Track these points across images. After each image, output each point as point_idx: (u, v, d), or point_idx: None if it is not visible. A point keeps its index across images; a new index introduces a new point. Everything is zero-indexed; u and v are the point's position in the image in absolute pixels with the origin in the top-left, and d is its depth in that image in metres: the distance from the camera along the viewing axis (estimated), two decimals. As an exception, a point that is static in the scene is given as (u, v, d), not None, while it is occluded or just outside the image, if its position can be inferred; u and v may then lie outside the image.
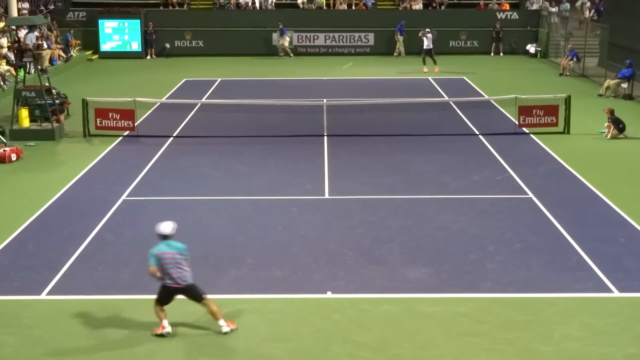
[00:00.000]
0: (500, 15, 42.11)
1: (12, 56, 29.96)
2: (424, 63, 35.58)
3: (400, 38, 40.62)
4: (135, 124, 23.10)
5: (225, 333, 10.99)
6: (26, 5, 39.45)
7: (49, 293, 12.33)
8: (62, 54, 37.13)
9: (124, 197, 17.25)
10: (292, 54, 40.62)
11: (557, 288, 12.58)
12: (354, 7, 43.78)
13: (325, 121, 23.34)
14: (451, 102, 26.82)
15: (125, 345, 10.78)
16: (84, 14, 41.85)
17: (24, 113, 22.85)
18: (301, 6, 43.62)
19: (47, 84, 24.18)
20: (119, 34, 41.08)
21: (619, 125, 22.49)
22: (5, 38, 32.81)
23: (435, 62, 35.30)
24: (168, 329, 10.98)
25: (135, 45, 41.14)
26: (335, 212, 16.40)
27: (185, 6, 43.81)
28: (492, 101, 26.64)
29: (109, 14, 41.13)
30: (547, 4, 42.60)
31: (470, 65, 37.30)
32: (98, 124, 22.98)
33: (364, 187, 18.01)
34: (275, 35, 41.34)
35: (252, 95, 28.47)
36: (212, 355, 10.55)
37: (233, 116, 25.27)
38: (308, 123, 24.17)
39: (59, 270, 13.13)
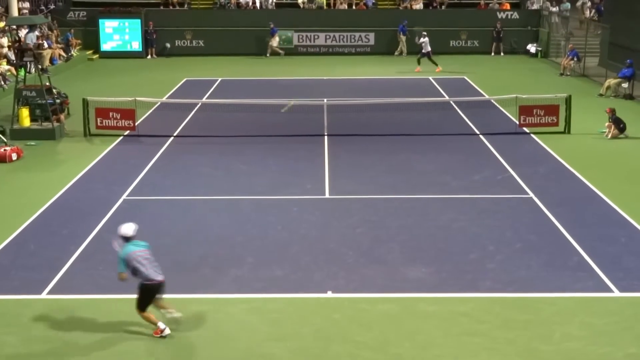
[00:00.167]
0: (500, 15, 42.12)
1: (12, 56, 29.96)
2: (419, 63, 35.61)
3: (403, 38, 40.61)
4: (136, 124, 23.10)
5: (178, 318, 11.03)
6: (27, 4, 39.45)
7: (49, 292, 12.33)
8: (62, 53, 37.15)
9: (124, 196, 17.26)
10: (282, 52, 40.54)
11: (557, 288, 12.58)
12: (354, 7, 43.78)
13: (326, 121, 23.34)
14: (452, 102, 26.82)
15: (125, 345, 10.78)
16: (85, 13, 41.87)
17: (25, 112, 22.86)
18: (301, 6, 43.62)
19: (47, 84, 24.19)
20: (119, 33, 41.09)
21: (619, 125, 22.49)
22: (6, 37, 32.82)
23: (435, 64, 35.29)
24: (167, 330, 10.96)
25: (136, 45, 41.15)
26: (336, 211, 16.40)
27: (186, 6, 43.82)
28: (492, 101, 26.65)
29: (110, 13, 41.14)
30: (547, 3, 42.61)
31: (471, 65, 37.30)
32: (99, 124, 22.99)
33: (364, 186, 18.01)
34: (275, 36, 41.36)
35: (252, 95, 28.48)
36: (213, 354, 10.54)
37: (233, 116, 25.28)
38: (308, 123, 24.18)
39: (59, 270, 13.13)
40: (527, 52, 40.73)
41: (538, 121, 23.16)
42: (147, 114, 25.71)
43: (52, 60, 34.87)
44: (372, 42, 41.69)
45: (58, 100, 24.14)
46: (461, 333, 11.08)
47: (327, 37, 41.69)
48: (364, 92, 29.49)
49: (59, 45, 37.31)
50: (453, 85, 31.56)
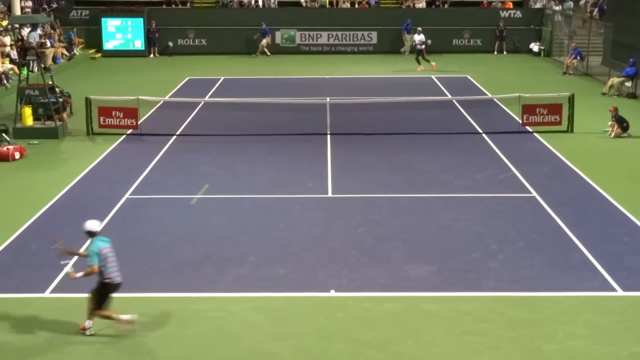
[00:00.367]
0: (503, 14, 42.06)
1: (15, 54, 29.98)
2: (419, 62, 35.60)
3: (408, 37, 40.56)
4: (139, 123, 23.10)
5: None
6: (29, 3, 39.47)
7: (52, 291, 12.33)
8: (65, 52, 37.16)
9: (127, 195, 17.26)
10: (269, 53, 40.58)
11: (560, 287, 12.56)
12: (357, 6, 43.76)
13: (329, 120, 23.33)
14: (454, 101, 26.79)
15: (129, 343, 10.78)
16: (87, 12, 41.85)
17: (28, 111, 22.86)
18: (304, 4, 43.61)
19: (50, 83, 24.20)
20: (122, 32, 41.10)
21: (622, 123, 22.45)
22: (9, 36, 32.82)
23: (427, 61, 35.33)
24: (128, 316, 10.92)
25: (139, 44, 41.15)
26: (338, 210, 16.39)
27: (189, 4, 43.83)
28: (495, 100, 26.63)
29: (112, 12, 41.15)
30: (551, 2, 42.55)
31: (474, 64, 37.26)
32: (101, 123, 22.99)
33: (367, 185, 18.00)
34: (277, 34, 41.35)
35: (255, 94, 28.46)
36: (216, 353, 10.54)
37: (236, 115, 25.27)
38: (311, 122, 24.17)
39: (62, 269, 13.11)
40: (530, 51, 40.68)
41: (541, 120, 23.12)
42: (150, 112, 25.71)
43: (54, 59, 34.89)
44: (374, 41, 41.66)
45: (60, 99, 24.15)
46: (464, 332, 11.07)
47: (330, 35, 41.66)
48: (366, 91, 29.46)
49: (61, 44, 37.33)
50: (456, 84, 31.53)
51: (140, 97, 23.95)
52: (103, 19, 40.91)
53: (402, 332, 11.08)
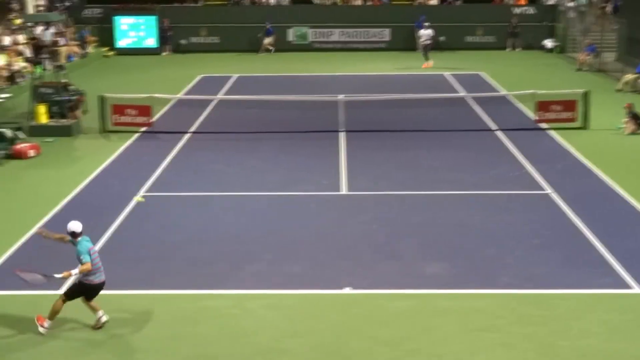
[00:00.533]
0: (516, 10, 41.91)
1: (29, 52, 30.11)
2: (427, 58, 35.55)
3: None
4: (152, 120, 23.16)
5: (107, 321, 11.03)
6: (43, 2, 39.62)
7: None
8: (78, 50, 37.30)
9: (141, 193, 17.30)
10: (273, 50, 40.57)
11: (575, 284, 12.52)
12: (369, 3, 43.70)
13: (342, 117, 23.33)
14: (467, 98, 26.73)
15: (140, 339, 10.81)
16: (100, 10, 41.98)
17: (42, 109, 22.97)
18: (316, 1, 43.58)
19: (63, 80, 24.29)
20: (134, 30, 41.21)
21: (637, 120, 22.33)
22: (22, 35, 32.97)
23: (426, 59, 35.39)
24: (45, 328, 10.95)
25: (151, 42, 41.25)
26: (352, 207, 16.39)
27: (201, 2, 43.88)
28: (508, 96, 26.54)
29: (125, 10, 41.26)
30: (564, -2, 42.40)
31: (487, 61, 37.17)
32: (115, 120, 23.07)
33: (381, 183, 17.99)
34: (290, 31, 41.38)
35: (268, 91, 28.48)
36: (231, 350, 10.56)
37: (249, 112, 25.29)
38: (324, 119, 24.17)
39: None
40: (543, 48, 40.53)
41: (555, 117, 23.05)
42: (163, 110, 25.77)
43: (68, 57, 35.00)
44: (387, 38, 41.61)
45: (74, 97, 24.23)
46: (478, 329, 11.05)
47: (342, 33, 41.65)
48: (379, 88, 29.42)
49: (74, 42, 37.47)
50: (469, 81, 31.46)
51: (153, 94, 24.01)
52: (116, 17, 41.03)
53: (416, 329, 11.07)
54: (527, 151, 20.41)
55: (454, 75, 33.04)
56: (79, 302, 11.14)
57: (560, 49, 39.73)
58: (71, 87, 24.52)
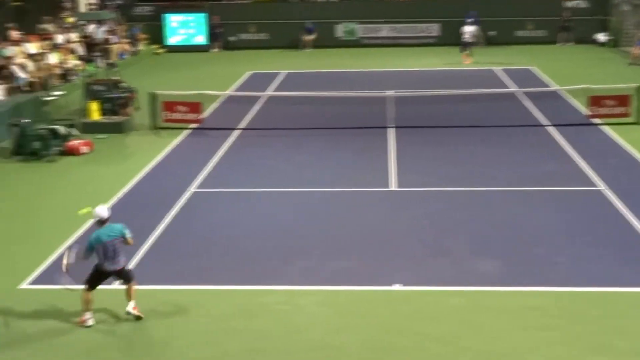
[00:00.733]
0: (568, 4, 41.34)
1: (81, 50, 30.56)
2: (470, 54, 35.24)
3: (472, 29, 40.07)
4: (202, 117, 23.34)
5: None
6: (95, 0, 40.17)
7: (122, 283, 12.50)
8: (129, 48, 37.76)
9: (192, 188, 17.47)
10: (311, 48, 40.64)
11: (629, 281, 12.30)
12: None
13: (391, 113, 23.25)
14: (518, 93, 26.46)
15: (194, 334, 10.90)
16: (150, 8, 42.45)
17: (94, 106, 23.30)
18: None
19: (115, 78, 24.59)
20: (184, 27, 41.59)
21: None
22: (75, 33, 33.48)
23: (467, 54, 35.15)
24: (90, 321, 11.12)
25: (201, 39, 41.60)
26: (402, 204, 16.34)
27: (250, -1, 44.17)
28: (560, 91, 26.20)
29: (175, 8, 41.65)
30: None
31: (538, 55, 36.74)
32: (166, 117, 23.30)
33: (431, 179, 17.90)
34: (338, 27, 41.37)
35: (316, 87, 28.51)
36: (282, 344, 10.60)
37: (298, 108, 25.35)
38: (373, 115, 24.12)
39: (130, 261, 13.31)
40: (596, 42, 39.92)
41: (608, 112, 22.68)
42: (213, 107, 25.96)
43: (119, 55, 35.45)
44: (436, 33, 41.38)
45: (126, 94, 24.54)
46: (530, 327, 10.92)
47: (391, 28, 41.51)
48: (428, 84, 29.27)
49: (126, 40, 37.94)
50: (520, 76, 31.13)
51: (203, 91, 24.20)
52: (166, 15, 41.44)
53: (468, 326, 10.99)
54: (579, 147, 20.13)
55: (504, 70, 32.72)
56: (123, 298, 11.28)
57: (613, 43, 39.08)
58: (122, 85, 24.85)
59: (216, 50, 41.22)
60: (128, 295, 11.30)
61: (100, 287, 11.94)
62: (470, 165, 18.97)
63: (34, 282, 12.76)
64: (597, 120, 22.66)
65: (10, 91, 25.44)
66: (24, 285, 12.64)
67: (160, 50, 40.99)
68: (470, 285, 12.32)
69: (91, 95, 23.76)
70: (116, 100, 23.45)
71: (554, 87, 27.97)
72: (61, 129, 20.94)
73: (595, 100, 22.87)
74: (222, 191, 17.44)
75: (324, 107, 25.31)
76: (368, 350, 10.43)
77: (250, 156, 20.16)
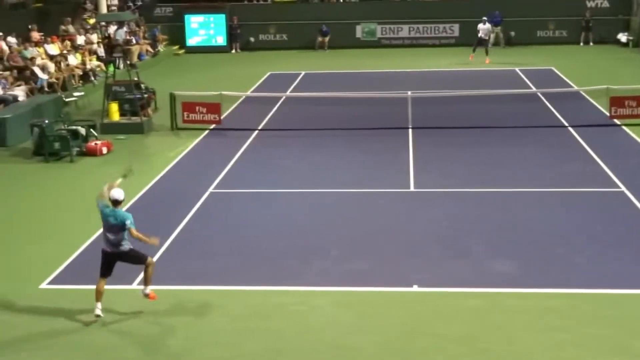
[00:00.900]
0: (590, 4, 41.05)
1: (102, 52, 30.70)
2: (487, 53, 35.11)
3: (497, 29, 40.01)
4: (222, 118, 23.39)
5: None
6: (115, 1, 40.37)
7: (139, 283, 12.53)
8: (149, 49, 37.93)
9: (211, 189, 17.51)
10: (326, 49, 40.64)
11: (650, 284, 12.21)
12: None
13: (410, 113, 23.19)
14: (539, 93, 26.32)
15: (210, 334, 10.92)
16: (171, 9, 42.64)
17: (114, 107, 23.40)
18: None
19: (135, 79, 24.70)
20: (204, 28, 41.72)
21: None
22: (96, 34, 33.66)
23: (484, 52, 35.06)
24: (97, 312, 11.31)
25: (221, 40, 41.70)
26: (421, 204, 16.29)
27: (269, 0, 44.16)
28: (581, 92, 26.04)
29: (195, 9, 41.78)
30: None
31: (559, 56, 36.53)
32: (185, 118, 23.36)
33: (450, 179, 17.84)
34: (358, 28, 41.34)
35: (335, 88, 28.50)
36: (299, 345, 10.60)
37: (317, 109, 25.35)
38: (392, 115, 24.07)
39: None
40: (618, 42, 39.62)
41: (630, 112, 22.48)
42: (232, 107, 26.02)
43: (139, 56, 35.61)
44: (456, 33, 41.23)
45: (145, 95, 24.65)
46: (549, 328, 10.86)
47: (411, 29, 41.42)
48: (448, 84, 29.19)
49: (146, 41, 38.10)
50: (540, 76, 30.95)
51: (222, 92, 24.26)
52: (186, 16, 41.60)
53: (486, 327, 10.93)
54: (599, 147, 19.98)
55: (525, 70, 32.55)
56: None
57: (635, 43, 38.76)
58: (142, 86, 24.94)
59: (233, 51, 41.28)
60: (144, 280, 11.38)
61: (117, 287, 12.05)
62: (490, 166, 18.88)
63: (54, 282, 12.83)
64: (618, 121, 22.48)
65: (31, 92, 25.62)
66: (44, 285, 12.72)
67: (180, 51, 41.14)
68: (489, 287, 12.26)
69: (111, 96, 23.88)
70: (136, 101, 23.54)
71: (575, 87, 27.78)
72: (81, 130, 21.05)
73: (617, 101, 22.69)
74: (240, 192, 17.46)
75: (343, 108, 25.30)
76: (385, 351, 10.40)
77: (269, 157, 20.17)
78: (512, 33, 40.39)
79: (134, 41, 35.32)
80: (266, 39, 42.07)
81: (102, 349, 10.62)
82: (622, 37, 39.62)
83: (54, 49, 30.20)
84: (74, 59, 30.23)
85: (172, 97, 23.49)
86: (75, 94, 27.14)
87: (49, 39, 30.91)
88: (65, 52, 30.21)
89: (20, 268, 13.51)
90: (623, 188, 16.77)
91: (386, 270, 12.99)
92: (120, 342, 10.79)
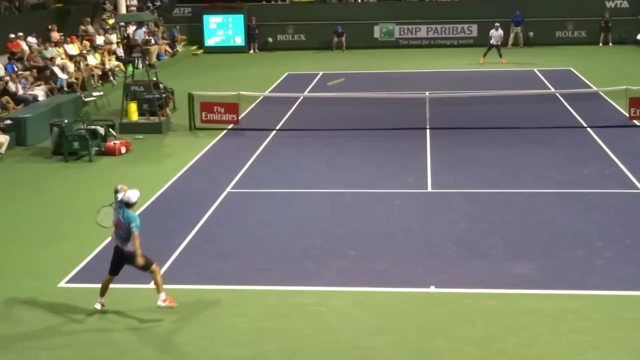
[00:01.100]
0: (609, 4, 40.80)
1: (121, 52, 30.85)
2: (500, 55, 34.96)
3: (517, 29, 39.85)
4: (239, 118, 23.44)
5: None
6: (134, 2, 40.55)
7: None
8: (168, 49, 38.06)
9: (228, 189, 17.55)
10: (344, 49, 40.64)
11: (670, 286, 12.12)
12: (457, -2, 43.29)
13: (429, 114, 23.14)
14: (558, 94, 26.20)
15: (229, 333, 10.95)
16: (189, 10, 42.79)
17: (133, 107, 23.51)
18: (403, -2, 43.45)
19: (154, 79, 24.79)
20: (223, 29, 41.81)
21: None
22: (115, 34, 33.82)
23: (484, 55, 35.00)
24: (97, 305, 11.53)
25: (239, 40, 41.77)
26: (438, 205, 16.26)
27: (288, 0, 44.21)
28: (600, 93, 25.89)
29: (214, 9, 41.87)
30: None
31: (578, 56, 36.34)
32: (203, 118, 23.43)
33: (467, 180, 17.79)
34: (376, 28, 41.30)
35: (353, 89, 28.47)
36: (317, 345, 10.60)
37: (335, 109, 25.34)
38: (410, 116, 24.02)
39: (167, 260, 13.44)
40: (637, 42, 39.36)
41: (649, 113, 22.36)
42: (250, 108, 26.07)
43: (158, 56, 35.72)
44: (475, 33, 41.09)
45: (164, 95, 24.73)
46: (568, 330, 10.80)
47: (429, 29, 41.33)
48: (466, 85, 29.12)
49: (165, 41, 38.23)
50: (559, 77, 30.80)
51: (240, 92, 24.30)
52: (205, 16, 41.70)
53: (504, 329, 10.90)
54: (619, 149, 19.86)
55: (543, 71, 32.40)
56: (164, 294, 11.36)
57: (655, 44, 38.53)
58: (161, 86, 25.03)
59: (251, 51, 41.34)
60: (156, 287, 11.40)
61: (135, 286, 12.11)
62: (508, 167, 18.81)
63: (72, 281, 12.91)
64: (637, 122, 22.33)
65: (51, 92, 25.78)
66: (62, 283, 12.80)
67: (199, 52, 41.26)
68: (506, 288, 12.23)
69: (130, 96, 23.99)
70: (155, 101, 23.63)
71: (594, 88, 27.63)
72: (100, 130, 21.16)
73: (636, 102, 22.54)
74: (258, 192, 17.48)
75: (361, 108, 25.28)
76: (402, 352, 10.39)
77: (286, 157, 20.20)
78: (531, 33, 40.20)
79: (152, 41, 35.40)
80: (284, 39, 42.10)
81: (120, 347, 10.67)
82: (642, 37, 39.39)
83: (73, 49, 30.38)
84: (93, 59, 30.39)
85: (191, 97, 23.56)
86: (95, 93, 27.28)
87: (68, 39, 31.10)
88: (84, 52, 30.38)
89: (38, 266, 13.60)
90: (643, 189, 16.69)
91: (403, 271, 12.98)
92: (138, 341, 10.84)
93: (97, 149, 20.77)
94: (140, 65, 27.30)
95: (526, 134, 21.93)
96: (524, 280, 12.51)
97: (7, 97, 23.50)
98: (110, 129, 21.71)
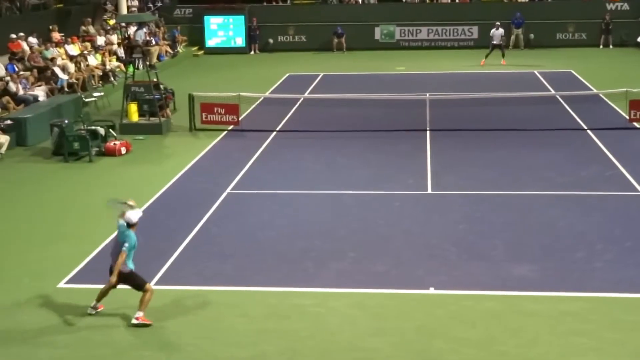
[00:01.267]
0: (609, 6, 40.82)
1: (122, 52, 30.85)
2: (504, 55, 35.01)
3: (518, 31, 39.85)
4: (240, 119, 23.44)
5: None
6: (135, 2, 40.56)
7: (157, 283, 12.61)
8: (169, 50, 38.06)
9: (228, 190, 17.55)
10: (344, 50, 40.64)
11: (669, 288, 12.13)
12: (457, 0, 43.25)
13: (429, 115, 23.15)
14: (558, 96, 26.21)
15: (230, 334, 10.95)
16: (190, 10, 42.79)
17: (133, 108, 23.50)
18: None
19: (155, 80, 24.79)
20: (223, 29, 41.81)
21: None
22: (116, 35, 33.83)
23: (486, 56, 34.96)
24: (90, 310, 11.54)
25: (240, 41, 41.77)
26: (438, 207, 16.26)
27: (289, 1, 44.22)
28: (600, 95, 25.89)
29: (214, 10, 41.88)
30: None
31: (578, 58, 36.34)
32: (203, 119, 23.43)
33: (467, 182, 17.79)
34: (377, 30, 41.31)
35: (354, 90, 28.49)
36: (316, 346, 10.61)
37: (335, 110, 25.36)
38: (411, 117, 24.03)
39: (166, 261, 13.45)
40: (638, 45, 39.36)
41: (649, 116, 22.37)
42: (251, 108, 26.07)
43: (159, 57, 35.69)
44: (475, 35, 41.09)
45: (164, 96, 24.73)
46: (567, 332, 10.81)
47: (430, 31, 41.33)
48: (467, 87, 29.12)
49: (165, 42, 38.24)
50: (559, 79, 30.81)
51: (241, 93, 24.31)
52: (205, 17, 41.71)
53: (504, 331, 10.90)
54: (619, 151, 19.87)
55: (544, 73, 32.41)
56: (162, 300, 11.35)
57: (656, 46, 38.54)
58: (162, 86, 25.03)
59: (252, 52, 41.35)
60: (139, 303, 11.32)
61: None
62: (508, 169, 18.82)
63: (72, 282, 12.91)
64: (637, 125, 22.35)
65: (52, 92, 25.78)
66: (62, 284, 12.80)
67: (200, 52, 41.27)
68: (506, 290, 12.23)
69: (131, 96, 23.98)
70: (155, 102, 23.62)
71: (594, 90, 27.63)
72: (100, 130, 21.16)
73: (636, 104, 22.53)
74: (258, 193, 17.49)
75: (361, 110, 25.29)
76: (401, 353, 10.39)
77: (287, 158, 20.20)
78: (532, 35, 40.22)
79: (153, 42, 35.33)
80: (285, 40, 42.11)
81: (119, 347, 10.67)
82: (643, 40, 39.40)
83: (74, 49, 30.38)
84: (93, 60, 30.40)
85: (191, 98, 23.57)
86: (95, 94, 27.28)
87: (69, 40, 31.11)
88: (85, 52, 30.37)
89: (38, 266, 13.60)
90: (643, 192, 16.70)
91: (403, 272, 12.98)
92: (137, 341, 10.84)
93: (97, 149, 20.77)
94: (140, 66, 27.29)
95: (526, 136, 21.93)
96: (523, 282, 12.52)
97: (7, 97, 23.50)
98: (110, 130, 21.70)
